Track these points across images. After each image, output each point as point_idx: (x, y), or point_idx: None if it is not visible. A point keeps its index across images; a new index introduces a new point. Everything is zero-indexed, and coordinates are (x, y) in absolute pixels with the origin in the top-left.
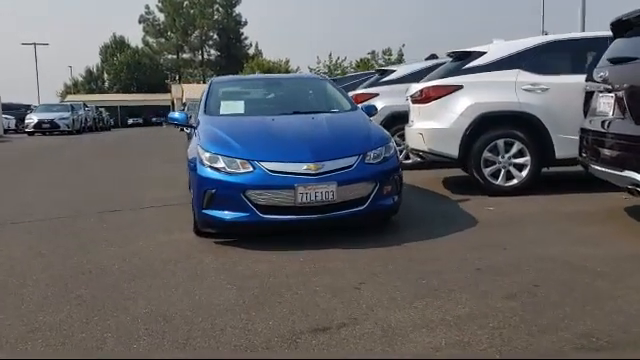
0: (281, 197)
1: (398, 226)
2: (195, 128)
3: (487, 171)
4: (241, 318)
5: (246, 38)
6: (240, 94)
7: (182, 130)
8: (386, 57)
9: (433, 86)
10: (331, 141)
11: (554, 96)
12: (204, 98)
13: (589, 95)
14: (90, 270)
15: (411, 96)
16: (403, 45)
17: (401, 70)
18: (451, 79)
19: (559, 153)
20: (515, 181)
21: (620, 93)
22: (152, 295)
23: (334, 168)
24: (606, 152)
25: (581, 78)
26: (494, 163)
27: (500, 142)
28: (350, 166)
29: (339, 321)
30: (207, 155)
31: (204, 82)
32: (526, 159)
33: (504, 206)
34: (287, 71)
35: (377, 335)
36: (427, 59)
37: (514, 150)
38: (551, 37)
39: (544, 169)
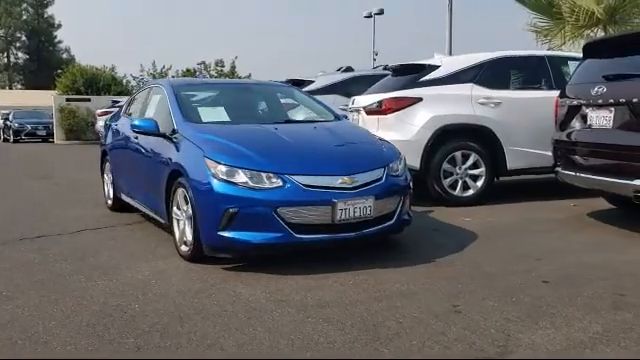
0: (317, 214)
1: (399, 243)
2: (170, 138)
3: (446, 182)
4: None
5: (60, 42)
6: (212, 100)
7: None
8: (219, 68)
9: (394, 97)
10: (354, 152)
11: (506, 110)
12: (173, 103)
13: (573, 109)
14: (110, 314)
15: (364, 107)
16: (236, 57)
17: (320, 81)
18: (410, 91)
19: (510, 164)
20: (471, 191)
21: (623, 107)
22: (234, 342)
23: (368, 181)
24: (605, 162)
25: (529, 93)
26: (452, 174)
27: (458, 154)
28: (380, 179)
29: (496, 350)
30: (222, 168)
31: (10, 88)
32: (481, 170)
33: (478, 216)
34: (114, 78)
35: None
36: (343, 72)
37: (470, 162)
38: (500, 53)
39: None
